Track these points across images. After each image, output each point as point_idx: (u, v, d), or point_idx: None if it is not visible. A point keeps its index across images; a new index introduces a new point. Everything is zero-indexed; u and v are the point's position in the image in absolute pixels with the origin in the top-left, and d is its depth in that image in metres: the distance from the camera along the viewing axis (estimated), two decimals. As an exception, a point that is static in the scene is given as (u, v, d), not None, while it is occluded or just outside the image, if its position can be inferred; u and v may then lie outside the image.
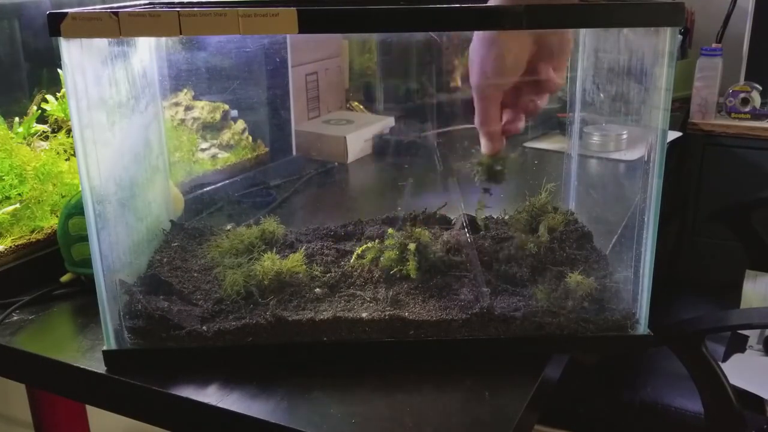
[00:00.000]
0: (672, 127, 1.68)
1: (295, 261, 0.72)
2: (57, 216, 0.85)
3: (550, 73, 0.69)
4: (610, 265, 0.74)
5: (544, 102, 0.72)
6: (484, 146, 0.73)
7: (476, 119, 0.72)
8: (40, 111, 1.05)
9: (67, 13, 0.55)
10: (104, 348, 0.66)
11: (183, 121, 1.12)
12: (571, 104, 0.87)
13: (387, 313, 0.67)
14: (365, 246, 0.76)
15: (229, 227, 0.86)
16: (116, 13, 0.55)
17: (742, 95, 1.83)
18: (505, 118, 0.72)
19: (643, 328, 0.68)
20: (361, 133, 1.35)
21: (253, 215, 0.94)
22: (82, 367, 0.66)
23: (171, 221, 0.85)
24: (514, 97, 0.71)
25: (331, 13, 0.57)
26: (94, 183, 0.62)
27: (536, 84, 0.70)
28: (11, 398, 1.69)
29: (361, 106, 1.53)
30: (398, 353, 0.68)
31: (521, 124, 0.72)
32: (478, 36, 0.69)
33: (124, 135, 0.70)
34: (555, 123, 1.50)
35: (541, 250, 0.74)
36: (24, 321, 0.75)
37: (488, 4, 0.66)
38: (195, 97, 1.14)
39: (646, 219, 0.66)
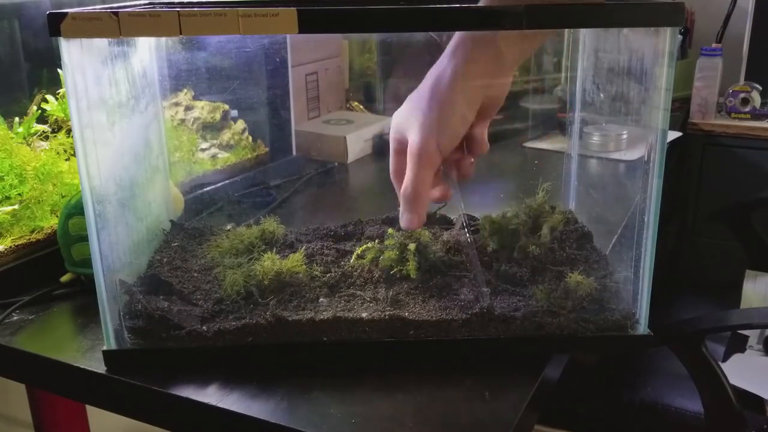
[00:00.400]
0: (672, 127, 1.68)
1: (295, 261, 0.72)
2: (57, 216, 0.85)
3: (484, 134, 0.66)
4: (610, 265, 0.74)
5: (471, 172, 0.68)
6: (407, 220, 0.66)
7: (404, 186, 0.65)
8: (40, 111, 1.05)
9: (67, 13, 0.55)
10: (104, 348, 0.66)
11: (183, 121, 1.12)
12: (571, 104, 0.87)
13: (387, 313, 0.67)
14: (365, 246, 0.76)
15: (229, 227, 0.86)
16: (116, 13, 0.55)
17: (742, 95, 1.83)
18: (437, 187, 0.67)
19: (643, 328, 0.68)
20: (361, 133, 1.35)
21: (253, 215, 0.94)
22: (82, 367, 0.66)
23: (171, 221, 0.85)
24: (447, 163, 0.66)
25: (331, 13, 0.57)
26: (94, 183, 0.62)
27: (469, 145, 0.66)
28: (11, 398, 1.69)
29: (361, 106, 1.53)
30: (398, 353, 0.68)
31: (448, 193, 0.68)
32: (415, 99, 0.65)
33: (124, 135, 0.70)
34: (555, 123, 1.51)
35: (542, 251, 0.74)
36: (24, 321, 0.75)
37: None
38: (195, 97, 1.14)
39: (646, 219, 0.66)
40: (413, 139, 0.64)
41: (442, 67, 0.65)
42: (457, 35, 0.64)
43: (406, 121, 0.66)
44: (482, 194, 0.77)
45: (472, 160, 0.68)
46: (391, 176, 0.69)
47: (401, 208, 0.67)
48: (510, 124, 1.50)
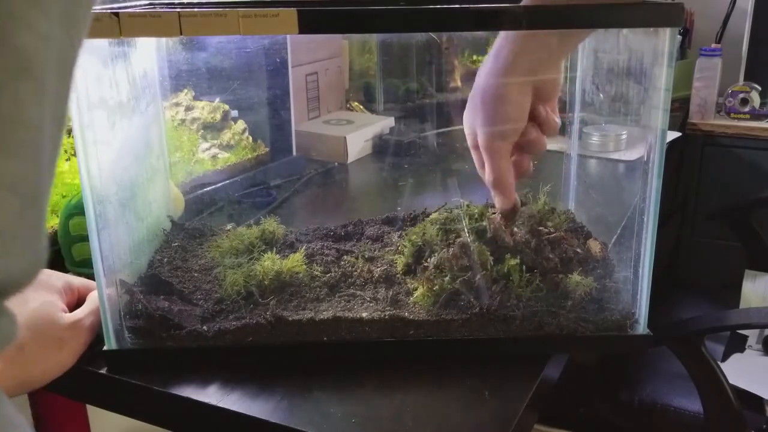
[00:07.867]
0: (671, 128, 1.68)
1: (295, 261, 0.72)
2: (57, 216, 0.85)
3: (550, 114, 0.70)
4: (609, 264, 0.74)
5: (546, 144, 0.72)
6: (500, 202, 0.72)
7: (488, 177, 0.71)
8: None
9: (67, 14, 0.55)
10: (105, 348, 0.66)
11: (183, 121, 1.12)
12: (571, 104, 0.88)
13: (387, 313, 0.67)
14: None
15: (229, 227, 0.86)
16: (116, 14, 0.55)
17: (742, 95, 1.84)
18: (512, 167, 0.72)
19: (642, 327, 0.68)
20: (361, 133, 1.35)
21: (254, 215, 0.94)
22: (82, 367, 0.66)
23: (171, 221, 0.85)
24: (518, 145, 0.71)
25: (331, 14, 0.57)
26: (94, 183, 0.62)
27: (539, 126, 0.70)
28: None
29: (361, 107, 1.53)
30: (398, 353, 0.68)
31: (530, 165, 0.73)
32: (474, 98, 0.69)
33: (124, 135, 0.70)
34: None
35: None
36: (24, 321, 0.75)
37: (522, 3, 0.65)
38: (195, 98, 1.14)
39: (645, 219, 0.66)
40: (480, 136, 0.70)
41: (490, 64, 0.68)
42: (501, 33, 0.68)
43: (473, 119, 0.71)
44: (483, 194, 0.77)
45: (540, 140, 0.71)
46: (477, 169, 0.74)
47: (493, 195, 0.73)
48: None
